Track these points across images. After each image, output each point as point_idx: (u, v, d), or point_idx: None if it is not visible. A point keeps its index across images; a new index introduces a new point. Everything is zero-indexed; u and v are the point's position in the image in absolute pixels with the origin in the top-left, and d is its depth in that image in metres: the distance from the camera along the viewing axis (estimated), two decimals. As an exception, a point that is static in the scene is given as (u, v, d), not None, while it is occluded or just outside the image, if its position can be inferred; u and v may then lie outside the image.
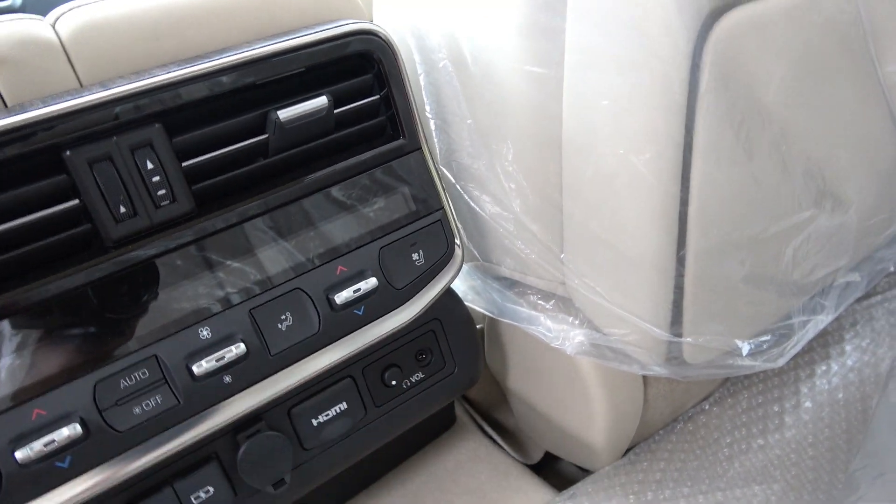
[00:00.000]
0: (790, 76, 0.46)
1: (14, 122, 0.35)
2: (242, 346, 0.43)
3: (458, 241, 0.53)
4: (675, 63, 0.41)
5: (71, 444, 0.38)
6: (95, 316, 0.39)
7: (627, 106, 0.43)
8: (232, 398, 0.43)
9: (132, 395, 0.40)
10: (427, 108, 0.56)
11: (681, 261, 0.48)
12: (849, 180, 0.56)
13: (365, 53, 0.47)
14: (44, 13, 0.42)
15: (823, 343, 0.77)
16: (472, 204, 0.56)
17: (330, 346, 0.47)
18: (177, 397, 0.41)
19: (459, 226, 0.55)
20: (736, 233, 0.50)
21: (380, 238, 0.48)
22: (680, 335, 0.52)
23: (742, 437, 0.70)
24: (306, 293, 0.45)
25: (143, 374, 0.40)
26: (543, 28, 0.45)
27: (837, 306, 0.62)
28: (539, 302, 0.59)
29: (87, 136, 0.38)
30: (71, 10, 0.42)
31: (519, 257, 0.56)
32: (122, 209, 0.39)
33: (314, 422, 0.51)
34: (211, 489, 0.46)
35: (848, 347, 0.76)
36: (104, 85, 0.39)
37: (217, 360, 0.42)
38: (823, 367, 0.75)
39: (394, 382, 0.55)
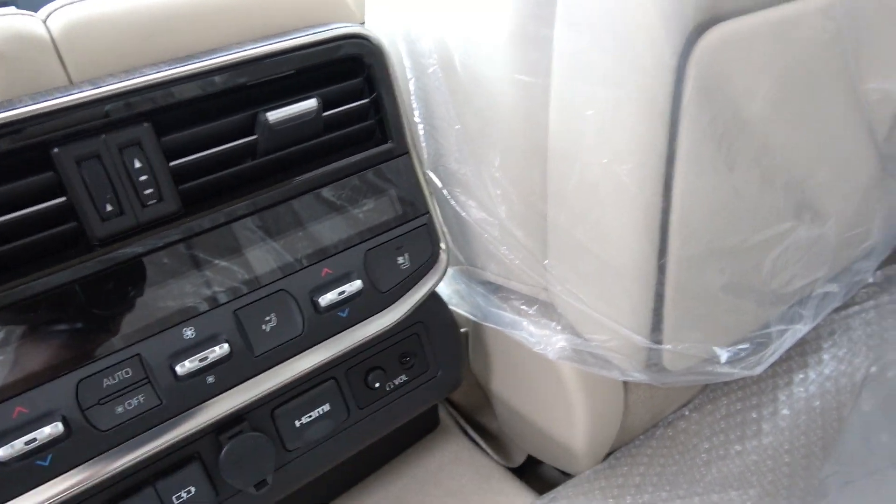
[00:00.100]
0: (772, 91, 0.47)
1: (2, 119, 0.35)
2: (226, 346, 0.43)
3: (443, 245, 0.53)
4: (660, 76, 0.41)
5: (52, 443, 0.38)
6: (79, 314, 0.39)
7: (612, 116, 0.44)
8: (215, 398, 0.44)
9: (115, 395, 0.40)
10: (416, 112, 0.56)
11: (661, 269, 0.49)
12: (828, 194, 0.57)
13: (355, 57, 0.47)
14: (36, 7, 0.42)
15: (801, 352, 0.79)
16: (458, 209, 0.57)
17: (314, 347, 0.47)
18: (159, 397, 0.41)
19: (445, 230, 0.55)
20: (716, 242, 0.51)
21: (365, 241, 0.49)
22: (660, 342, 0.53)
23: (720, 442, 0.71)
24: (291, 295, 0.46)
25: (126, 373, 0.40)
26: (532, 37, 0.46)
27: (815, 316, 0.63)
28: (522, 307, 0.59)
29: (76, 134, 0.37)
30: (63, 6, 0.41)
31: (503, 262, 0.57)
32: (109, 207, 0.39)
33: (297, 423, 0.51)
34: (192, 489, 0.46)
35: (825, 357, 0.78)
36: (94, 83, 0.39)
37: (200, 361, 0.42)
38: (801, 376, 0.76)
39: (377, 385, 0.55)
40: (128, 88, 0.39)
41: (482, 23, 0.49)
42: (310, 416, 0.51)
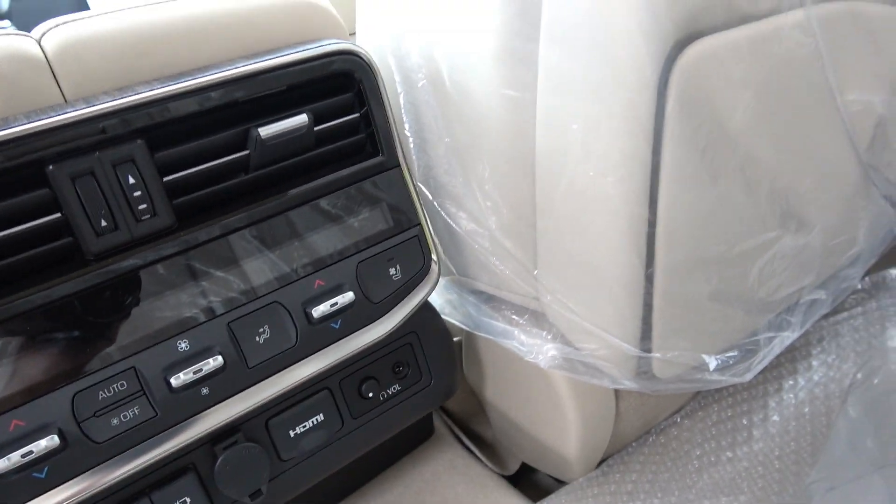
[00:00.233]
0: (753, 104, 0.48)
1: (-2, 137, 0.36)
2: (220, 358, 0.43)
3: (434, 256, 0.54)
4: (642, 91, 0.42)
5: (49, 455, 0.38)
6: (75, 328, 0.39)
7: (596, 130, 0.45)
8: (209, 410, 0.44)
9: (110, 407, 0.40)
10: (406, 126, 0.57)
11: (649, 278, 0.50)
12: (812, 203, 0.58)
13: (346, 72, 0.48)
14: (29, 22, 0.43)
15: (791, 358, 0.79)
16: (449, 220, 0.57)
17: (307, 358, 0.48)
18: (154, 409, 0.42)
19: (436, 241, 0.56)
20: (702, 252, 0.51)
21: (357, 253, 0.49)
22: (649, 350, 0.53)
23: (712, 449, 0.71)
24: (284, 307, 0.46)
25: (122, 385, 0.41)
26: (518, 54, 0.47)
27: (803, 323, 0.64)
28: (513, 316, 0.60)
29: (70, 151, 0.38)
30: (57, 25, 0.42)
31: (494, 273, 0.57)
32: (104, 223, 0.39)
33: (291, 433, 0.51)
34: (188, 500, 0.47)
35: (815, 363, 0.79)
36: (88, 101, 0.40)
37: (195, 373, 0.42)
38: (791, 382, 0.77)
39: (371, 394, 0.56)
40: (121, 106, 0.39)
41: (470, 39, 0.50)
42: (304, 427, 0.52)
